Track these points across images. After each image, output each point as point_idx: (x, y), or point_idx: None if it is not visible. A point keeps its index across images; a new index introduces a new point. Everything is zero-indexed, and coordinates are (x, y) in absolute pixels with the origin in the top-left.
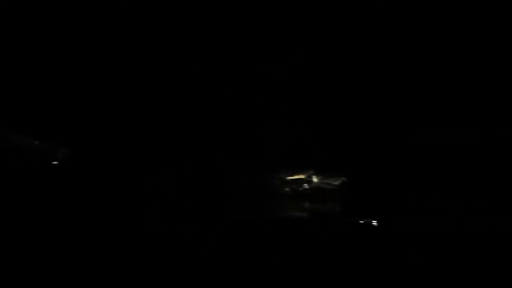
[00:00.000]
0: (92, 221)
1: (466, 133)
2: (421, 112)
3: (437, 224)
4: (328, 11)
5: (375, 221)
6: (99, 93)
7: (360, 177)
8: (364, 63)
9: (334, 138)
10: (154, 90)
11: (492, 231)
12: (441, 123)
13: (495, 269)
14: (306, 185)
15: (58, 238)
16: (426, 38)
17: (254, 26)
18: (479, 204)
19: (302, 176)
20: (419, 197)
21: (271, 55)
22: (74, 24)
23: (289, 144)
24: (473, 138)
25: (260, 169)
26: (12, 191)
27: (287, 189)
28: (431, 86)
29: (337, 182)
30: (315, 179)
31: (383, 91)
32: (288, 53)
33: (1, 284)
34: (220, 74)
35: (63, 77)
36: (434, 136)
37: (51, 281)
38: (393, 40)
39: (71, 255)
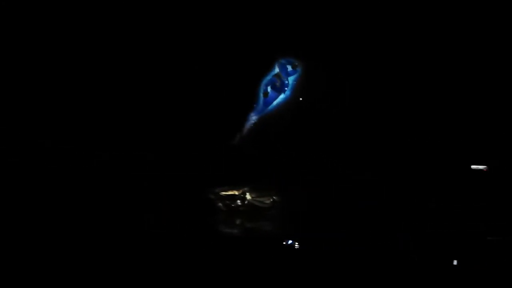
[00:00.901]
0: (92, 221)
1: (465, 133)
2: (419, 112)
3: (437, 224)
4: (329, 11)
5: (297, 244)
6: (102, 95)
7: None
8: (363, 64)
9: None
10: (155, 91)
11: (492, 231)
12: (441, 123)
13: (495, 269)
14: (239, 202)
15: (59, 237)
16: (428, 41)
17: (255, 26)
18: (479, 204)
19: (236, 192)
20: (419, 197)
21: (272, 54)
22: (74, 25)
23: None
24: (473, 138)
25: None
26: (16, 191)
27: (220, 204)
28: (431, 85)
29: (269, 201)
30: (248, 196)
31: (381, 91)
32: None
33: (1, 284)
34: (220, 74)
35: (65, 78)
36: (433, 137)
37: (51, 281)
38: (390, 41)
39: (72, 254)
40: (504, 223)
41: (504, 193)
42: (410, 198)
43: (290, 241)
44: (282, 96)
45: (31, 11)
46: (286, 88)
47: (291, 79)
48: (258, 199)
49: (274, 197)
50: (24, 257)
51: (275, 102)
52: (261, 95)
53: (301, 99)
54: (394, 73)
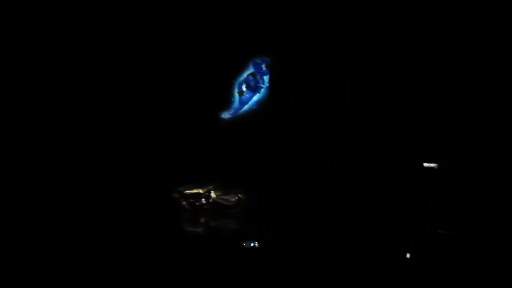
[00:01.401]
0: (93, 220)
1: (464, 133)
2: (419, 112)
3: (437, 224)
4: (329, 12)
5: (257, 243)
6: (102, 95)
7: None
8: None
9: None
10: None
11: (492, 231)
12: (440, 124)
13: (495, 268)
14: (204, 200)
15: (59, 237)
16: (428, 46)
17: (254, 27)
18: (479, 204)
19: (200, 191)
20: (419, 197)
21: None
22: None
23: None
24: (472, 139)
25: None
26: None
27: (184, 203)
28: (431, 85)
29: (234, 199)
30: (213, 195)
31: (381, 92)
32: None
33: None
34: (194, 73)
35: (64, 78)
36: (433, 137)
37: (52, 280)
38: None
39: (72, 253)
40: (503, 223)
41: (504, 193)
42: (410, 198)
43: (251, 243)
44: (257, 95)
45: (31, 11)
46: (261, 87)
47: (266, 78)
48: (223, 197)
49: (239, 195)
50: (24, 256)
51: (251, 101)
52: (236, 94)
53: (301, 99)
54: (394, 73)
